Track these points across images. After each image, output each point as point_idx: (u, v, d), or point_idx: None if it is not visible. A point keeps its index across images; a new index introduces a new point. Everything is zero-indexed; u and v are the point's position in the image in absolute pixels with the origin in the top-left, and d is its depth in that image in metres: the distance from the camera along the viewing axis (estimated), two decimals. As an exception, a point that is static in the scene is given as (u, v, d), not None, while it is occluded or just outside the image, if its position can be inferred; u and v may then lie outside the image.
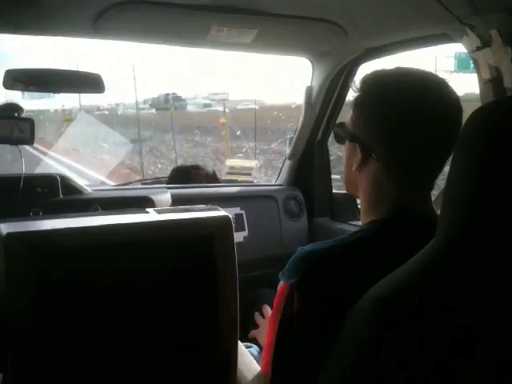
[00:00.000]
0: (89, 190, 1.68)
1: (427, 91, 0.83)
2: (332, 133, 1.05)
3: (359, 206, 2.08)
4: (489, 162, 0.59)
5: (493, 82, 1.16)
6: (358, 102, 0.88)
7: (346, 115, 0.99)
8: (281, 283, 0.84)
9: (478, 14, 1.11)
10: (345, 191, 2.14)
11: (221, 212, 0.96)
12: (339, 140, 0.98)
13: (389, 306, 0.64)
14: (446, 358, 0.62)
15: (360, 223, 0.96)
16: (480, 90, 1.21)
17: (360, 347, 0.65)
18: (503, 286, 0.61)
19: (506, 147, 0.58)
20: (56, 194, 1.56)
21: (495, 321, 0.62)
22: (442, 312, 0.62)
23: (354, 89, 0.89)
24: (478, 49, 1.15)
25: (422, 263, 0.65)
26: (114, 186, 2.38)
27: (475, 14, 1.11)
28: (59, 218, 0.91)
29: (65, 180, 1.60)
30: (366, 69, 1.95)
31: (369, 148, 0.86)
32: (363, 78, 0.88)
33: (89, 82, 1.40)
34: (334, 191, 2.19)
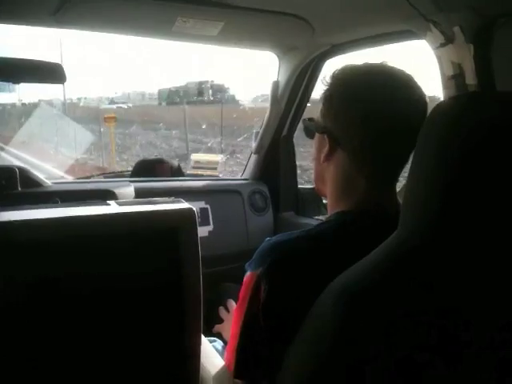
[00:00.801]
0: (48, 182, 1.63)
1: (395, 87, 0.85)
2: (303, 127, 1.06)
3: (324, 201, 2.11)
4: (448, 156, 0.60)
5: (455, 78, 1.18)
6: (327, 95, 0.90)
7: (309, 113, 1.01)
8: (247, 274, 0.84)
9: (441, 11, 1.13)
10: (310, 186, 2.19)
11: (184, 204, 0.94)
12: (309, 134, 0.99)
13: (354, 300, 0.64)
14: (411, 355, 0.62)
15: (324, 218, 0.96)
16: (442, 87, 1.23)
17: (325, 340, 0.65)
18: (473, 283, 0.62)
19: (464, 141, 0.59)
20: (14, 187, 1.51)
21: (469, 321, 0.62)
22: (411, 309, 0.62)
23: (325, 82, 0.90)
24: (442, 45, 1.17)
25: (386, 257, 0.66)
26: (74, 179, 2.33)
27: (439, 11, 1.13)
28: (15, 210, 0.88)
29: (23, 172, 1.55)
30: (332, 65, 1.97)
31: (337, 138, 0.87)
32: (333, 72, 0.90)
33: (49, 72, 1.35)
34: (299, 186, 2.19)
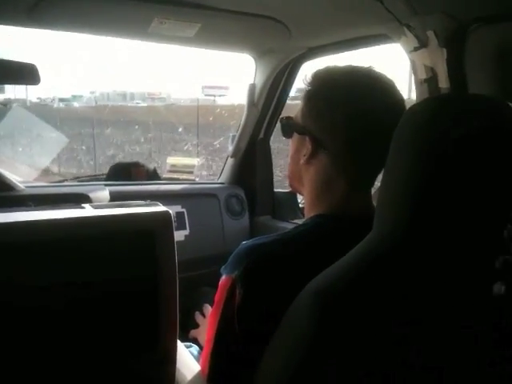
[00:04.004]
0: (21, 186, 1.60)
1: (376, 88, 0.85)
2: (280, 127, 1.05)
3: (301, 205, 2.11)
4: (420, 158, 0.61)
5: (428, 82, 1.19)
6: (310, 95, 0.89)
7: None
8: (223, 277, 0.83)
9: (415, 15, 1.14)
10: (286, 190, 2.19)
11: (161, 208, 0.93)
12: (286, 134, 0.98)
13: (328, 302, 0.64)
14: (385, 356, 0.62)
15: (301, 222, 0.96)
16: (416, 90, 1.24)
17: (302, 343, 0.65)
18: (447, 288, 0.63)
19: (435, 143, 0.60)
20: None
21: (439, 325, 0.63)
22: (383, 310, 0.62)
23: (305, 82, 0.90)
24: (415, 49, 1.19)
25: (359, 259, 0.66)
26: (48, 183, 2.28)
27: (413, 15, 1.15)
28: None
29: None
30: (308, 67, 1.98)
31: (319, 140, 0.86)
32: (315, 72, 0.90)
33: (23, 73, 1.33)
34: (275, 190, 2.20)
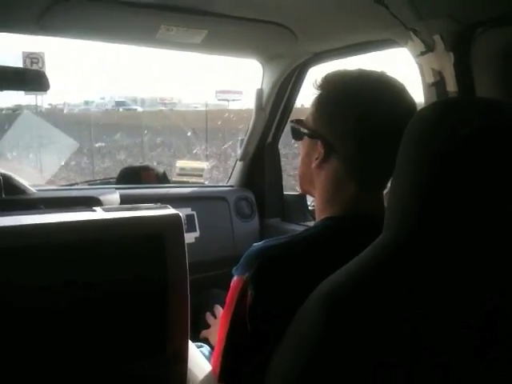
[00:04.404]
0: (33, 189, 1.62)
1: (388, 92, 0.85)
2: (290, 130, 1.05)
3: (310, 208, 2.12)
4: (428, 160, 0.61)
5: (436, 85, 1.20)
6: (321, 99, 0.89)
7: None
8: (234, 278, 0.84)
9: (422, 20, 1.15)
10: (296, 192, 2.20)
11: (171, 210, 0.94)
12: (297, 137, 0.98)
13: (339, 304, 0.64)
14: (393, 360, 0.62)
15: (310, 224, 0.96)
16: (424, 94, 1.25)
17: (309, 344, 0.65)
18: (456, 288, 0.63)
19: (443, 145, 0.60)
20: None
21: (446, 325, 0.63)
22: (392, 312, 0.63)
23: (315, 86, 0.90)
24: (422, 54, 1.19)
25: (370, 261, 0.66)
26: (59, 186, 2.31)
27: (419, 19, 1.15)
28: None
29: (8, 179, 1.54)
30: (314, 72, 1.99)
31: (331, 145, 0.87)
32: (325, 76, 0.90)
33: (32, 79, 1.35)
34: (284, 193, 2.21)
